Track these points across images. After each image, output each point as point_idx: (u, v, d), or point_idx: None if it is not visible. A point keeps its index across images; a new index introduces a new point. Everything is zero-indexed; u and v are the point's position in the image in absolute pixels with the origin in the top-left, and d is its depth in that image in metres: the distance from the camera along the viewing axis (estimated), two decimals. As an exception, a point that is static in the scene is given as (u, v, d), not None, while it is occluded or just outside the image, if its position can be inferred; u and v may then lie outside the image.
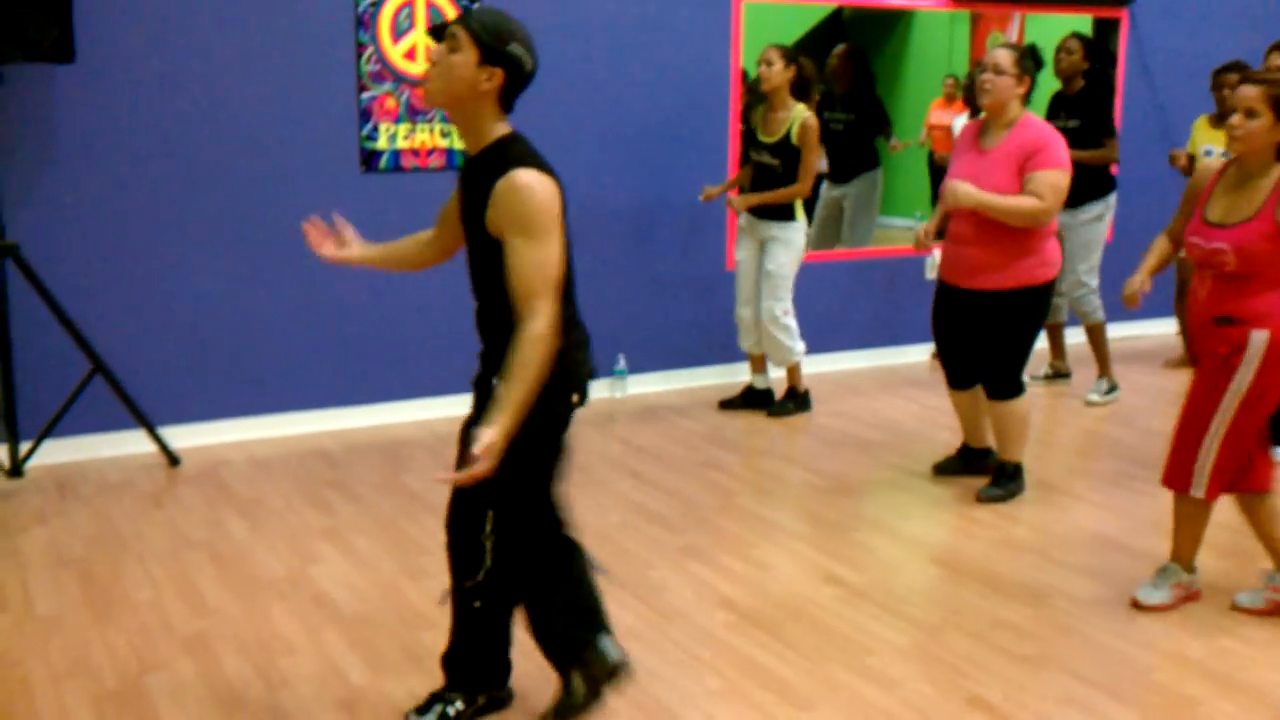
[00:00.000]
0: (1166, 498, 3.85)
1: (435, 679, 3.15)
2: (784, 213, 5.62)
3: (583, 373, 2.83)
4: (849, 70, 6.82)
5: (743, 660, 3.36)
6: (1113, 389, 6.12)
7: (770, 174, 5.59)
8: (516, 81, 2.67)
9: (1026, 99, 4.53)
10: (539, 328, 2.57)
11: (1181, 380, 5.84)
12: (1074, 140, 6.06)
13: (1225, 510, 4.60)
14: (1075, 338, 6.69)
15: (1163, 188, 6.50)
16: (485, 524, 2.81)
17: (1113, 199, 6.13)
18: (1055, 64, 6.01)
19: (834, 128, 6.93)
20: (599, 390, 6.10)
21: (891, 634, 3.54)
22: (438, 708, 2.98)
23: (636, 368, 6.19)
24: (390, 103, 5.37)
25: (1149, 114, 7.20)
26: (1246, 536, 4.35)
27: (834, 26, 6.79)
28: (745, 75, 6.16)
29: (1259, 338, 3.45)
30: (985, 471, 4.89)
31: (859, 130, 6.91)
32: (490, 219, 2.63)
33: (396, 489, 4.70)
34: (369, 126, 5.33)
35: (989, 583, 3.92)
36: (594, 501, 4.61)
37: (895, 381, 6.44)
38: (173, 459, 4.97)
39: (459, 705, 2.99)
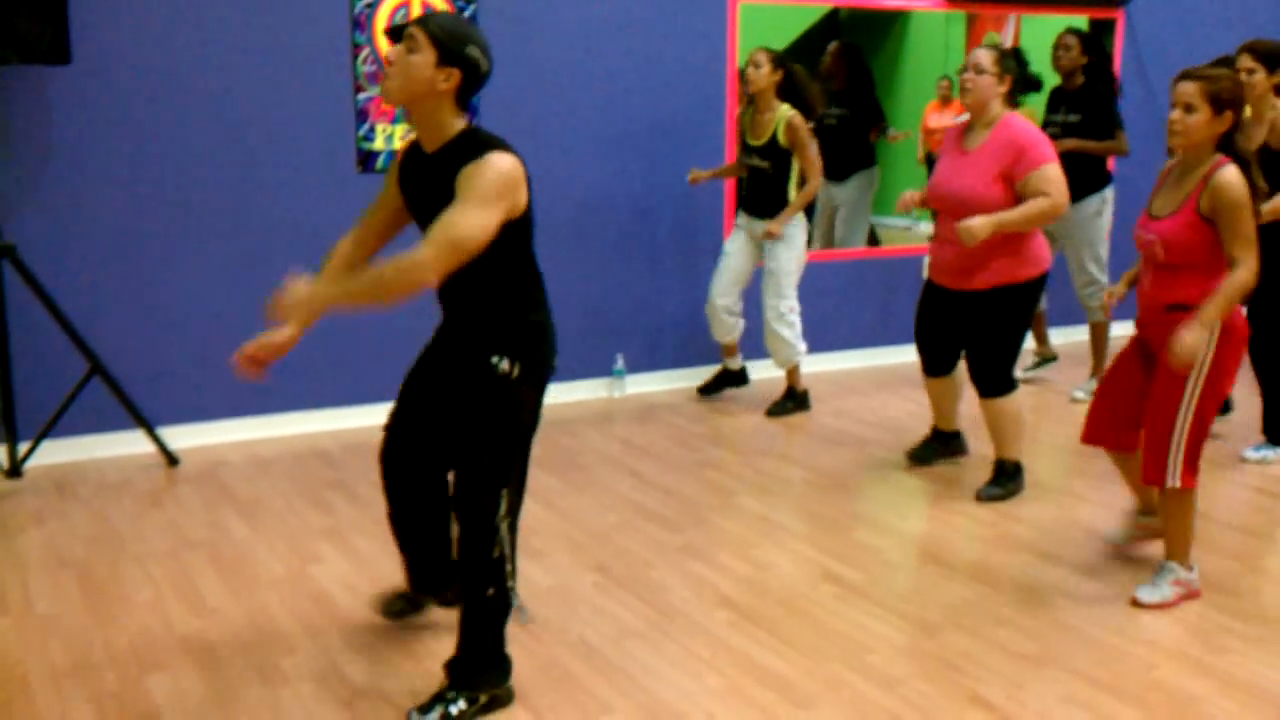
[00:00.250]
0: (1164, 496, 3.86)
1: (435, 678, 3.15)
2: (780, 211, 5.63)
3: (554, 341, 3.04)
4: (843, 67, 6.83)
5: (742, 659, 3.37)
6: None
7: (762, 176, 5.62)
8: (473, 81, 2.81)
9: (1013, 100, 4.58)
10: (421, 262, 2.70)
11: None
12: (1076, 133, 6.08)
13: (1228, 510, 4.62)
14: (1080, 335, 6.71)
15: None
16: (501, 505, 2.92)
17: (1109, 192, 6.14)
18: (1054, 61, 6.04)
19: (828, 123, 6.93)
20: (598, 389, 6.10)
21: (891, 632, 3.54)
22: (439, 707, 2.98)
23: (635, 367, 6.20)
24: (386, 104, 5.36)
25: (1145, 113, 7.21)
26: (1251, 536, 4.36)
27: (830, 27, 6.80)
28: (742, 76, 6.17)
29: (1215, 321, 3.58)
30: (959, 452, 5.04)
31: (853, 126, 6.90)
32: (456, 189, 2.76)
33: (395, 489, 4.70)
34: (365, 127, 5.33)
35: (988, 581, 3.92)
36: (593, 501, 4.61)
37: (893, 381, 6.45)
38: (172, 459, 4.97)
39: (462, 705, 2.99)
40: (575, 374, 6.05)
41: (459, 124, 2.85)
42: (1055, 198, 4.39)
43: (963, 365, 4.80)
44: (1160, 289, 3.68)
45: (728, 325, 5.91)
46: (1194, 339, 3.48)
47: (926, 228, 6.27)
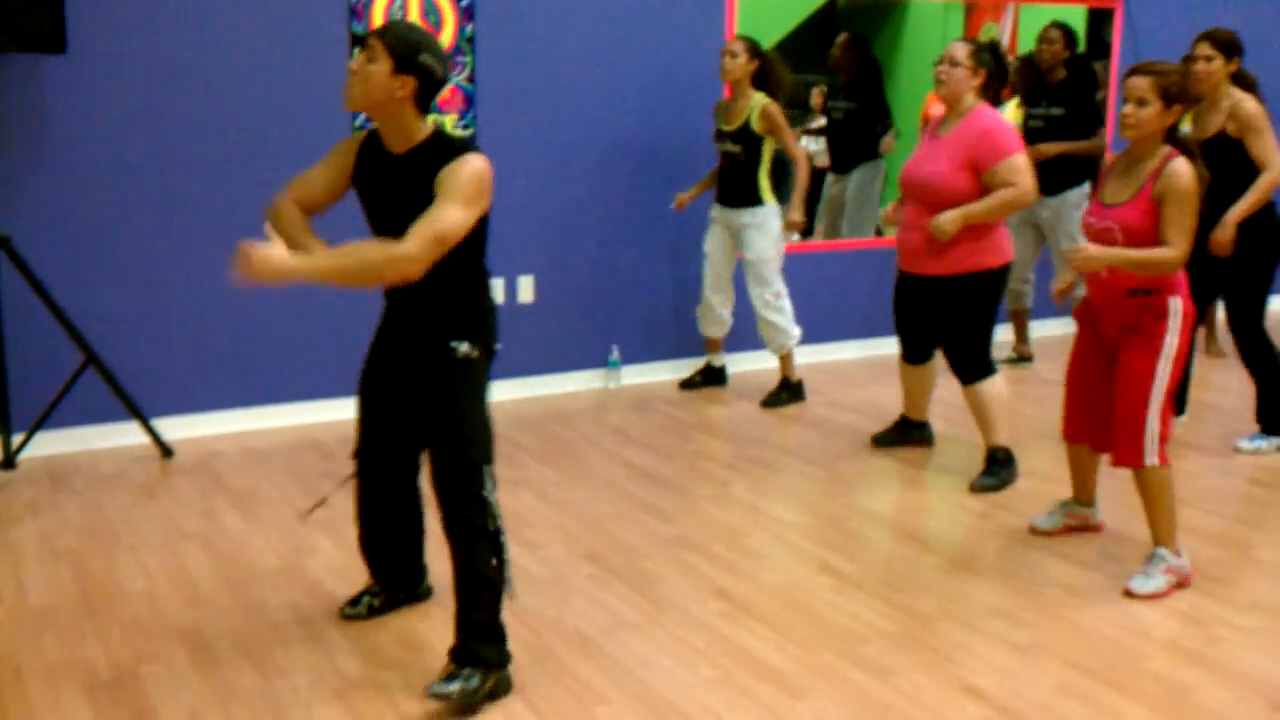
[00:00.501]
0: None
1: (429, 670, 3.16)
2: (752, 199, 5.68)
3: (495, 327, 3.17)
4: (853, 59, 6.81)
5: (737, 650, 3.37)
6: None
7: (734, 161, 5.67)
8: (428, 87, 2.97)
9: (989, 93, 4.68)
10: (410, 254, 2.83)
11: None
12: (1059, 127, 6.15)
13: (1222, 500, 4.62)
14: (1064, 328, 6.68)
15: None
16: (486, 479, 3.05)
17: (1090, 186, 6.18)
18: (1036, 54, 6.16)
19: (835, 116, 6.92)
20: (594, 381, 6.10)
21: (885, 623, 3.54)
22: (458, 682, 2.99)
23: (630, 359, 6.20)
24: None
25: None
26: (1244, 526, 4.36)
27: (828, 17, 6.78)
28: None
29: (1175, 303, 3.73)
30: (921, 442, 5.19)
31: (860, 119, 6.89)
32: (437, 185, 2.90)
33: (391, 480, 4.70)
34: (362, 118, 5.32)
35: (982, 571, 3.93)
36: (588, 492, 4.61)
37: (890, 372, 6.42)
38: (166, 450, 4.96)
39: (475, 680, 3.02)
40: (571, 365, 6.05)
41: (426, 127, 3.02)
42: (1022, 187, 4.48)
43: (942, 358, 4.88)
44: (1121, 276, 3.75)
45: (720, 321, 5.97)
46: (1098, 251, 3.64)
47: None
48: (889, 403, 5.83)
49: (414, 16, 5.36)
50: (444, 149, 2.96)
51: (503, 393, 5.85)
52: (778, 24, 6.39)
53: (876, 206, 7.06)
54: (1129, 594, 3.73)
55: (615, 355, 6.11)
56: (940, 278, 4.64)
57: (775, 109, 5.53)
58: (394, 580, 3.52)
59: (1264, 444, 5.17)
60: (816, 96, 7.06)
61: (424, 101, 2.99)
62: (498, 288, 5.78)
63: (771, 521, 4.36)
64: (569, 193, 5.90)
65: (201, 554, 3.99)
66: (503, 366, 5.84)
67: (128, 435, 5.04)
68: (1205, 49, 5.00)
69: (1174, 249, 3.64)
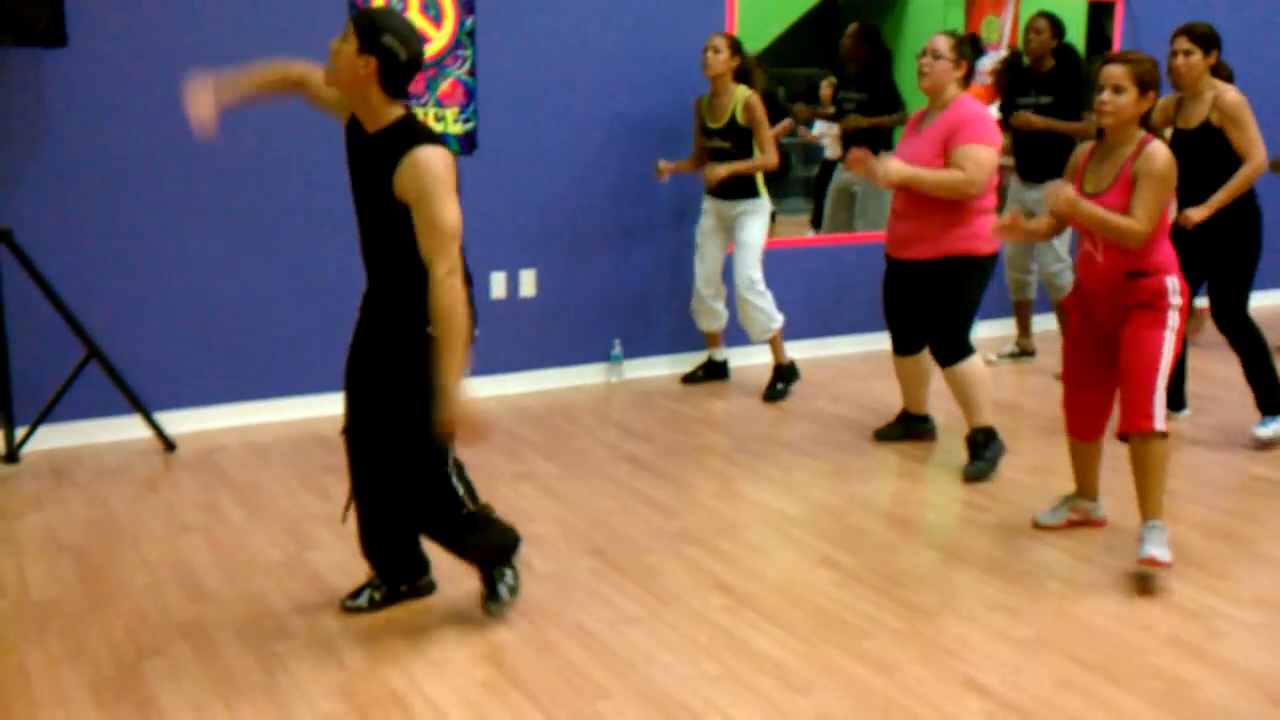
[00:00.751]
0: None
1: (432, 662, 3.16)
2: (749, 190, 5.74)
3: (475, 313, 3.24)
4: (864, 49, 6.80)
5: (739, 644, 3.37)
6: None
7: (725, 156, 5.71)
8: (393, 69, 3.03)
9: (968, 83, 4.76)
10: (440, 276, 3.02)
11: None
12: (1048, 115, 6.15)
13: (1223, 494, 4.63)
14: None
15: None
16: (448, 460, 3.25)
17: None
18: (1025, 44, 6.20)
19: (846, 107, 6.91)
20: (596, 375, 6.10)
21: (888, 618, 3.55)
22: (499, 586, 3.43)
23: (632, 353, 6.20)
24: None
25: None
26: (1245, 520, 4.37)
27: (829, 12, 6.77)
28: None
29: (1172, 281, 3.81)
30: (923, 436, 5.21)
31: (871, 111, 6.87)
32: (397, 188, 3.02)
33: (393, 474, 4.70)
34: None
35: (984, 566, 3.93)
36: (590, 487, 4.61)
37: (891, 367, 6.43)
38: (169, 444, 4.97)
39: (509, 576, 3.47)
40: (573, 359, 6.05)
41: (394, 111, 3.10)
42: (969, 175, 4.54)
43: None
44: (1117, 259, 3.81)
45: (715, 314, 5.99)
46: (1074, 194, 3.72)
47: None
48: (892, 397, 5.83)
49: (414, 11, 5.36)
50: (403, 137, 3.04)
51: (505, 386, 5.86)
52: (778, 18, 6.39)
53: (885, 198, 7.04)
54: (1154, 562, 3.72)
55: (617, 349, 6.11)
56: (928, 261, 4.70)
57: (757, 101, 5.59)
58: (393, 571, 3.54)
59: (1277, 425, 5.18)
60: (826, 88, 7.05)
61: (390, 83, 3.05)
62: (499, 282, 5.78)
63: (773, 515, 4.36)
64: (570, 186, 5.90)
65: (204, 547, 3.99)
66: (505, 360, 5.86)
67: (130, 429, 5.05)
68: (1183, 43, 5.06)
69: (1138, 223, 3.70)
